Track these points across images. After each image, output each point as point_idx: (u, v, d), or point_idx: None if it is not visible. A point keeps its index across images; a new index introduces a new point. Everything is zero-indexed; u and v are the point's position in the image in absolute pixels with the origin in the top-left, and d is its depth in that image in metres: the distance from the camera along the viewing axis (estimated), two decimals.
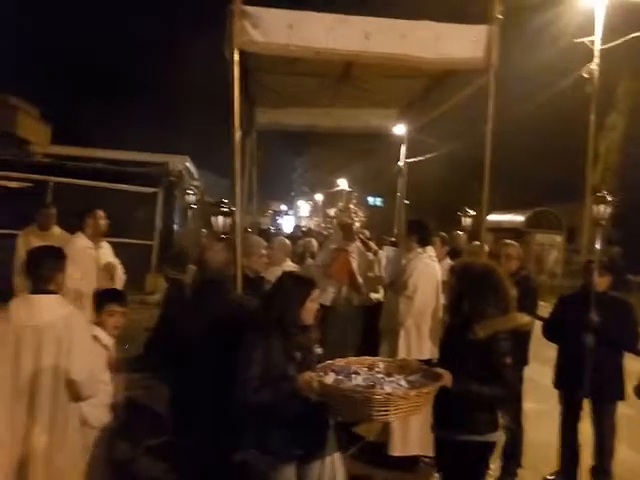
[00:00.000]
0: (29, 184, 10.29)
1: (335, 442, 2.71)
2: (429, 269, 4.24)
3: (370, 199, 43.83)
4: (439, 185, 23.70)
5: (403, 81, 5.22)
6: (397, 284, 4.32)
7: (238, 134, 3.80)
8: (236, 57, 3.71)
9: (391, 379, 2.49)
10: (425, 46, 3.87)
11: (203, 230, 6.26)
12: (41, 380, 2.68)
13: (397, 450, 4.18)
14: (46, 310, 2.71)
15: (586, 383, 3.82)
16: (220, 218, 4.10)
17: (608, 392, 3.92)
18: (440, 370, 2.53)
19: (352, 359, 2.76)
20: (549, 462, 4.26)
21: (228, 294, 3.07)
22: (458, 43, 3.93)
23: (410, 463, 4.18)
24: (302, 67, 4.58)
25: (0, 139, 13.23)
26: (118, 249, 5.50)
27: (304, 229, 24.05)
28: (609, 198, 4.43)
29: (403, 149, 7.70)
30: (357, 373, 2.53)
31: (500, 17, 3.97)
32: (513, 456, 4.05)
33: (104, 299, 3.16)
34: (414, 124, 6.94)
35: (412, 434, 4.14)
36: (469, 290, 2.59)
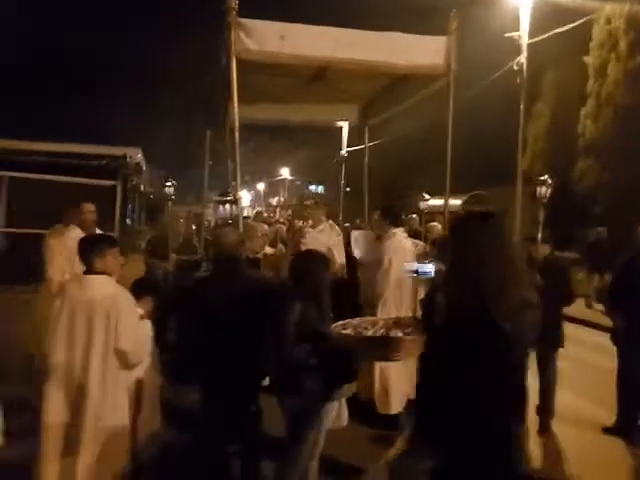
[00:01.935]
0: None
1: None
2: (402, 245, 4.89)
3: (312, 187, 44.57)
4: (381, 172, 24.70)
5: (367, 81, 5.86)
6: (373, 261, 4.94)
7: (237, 134, 4.31)
8: (234, 64, 4.20)
9: (393, 331, 3.12)
10: (395, 54, 4.53)
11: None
12: (93, 348, 3.12)
13: (382, 409, 4.73)
14: (97, 288, 3.14)
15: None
16: (223, 207, 4.59)
17: (550, 341, 4.77)
18: None
19: (356, 319, 3.37)
20: None
21: (245, 271, 3.56)
22: (423, 52, 4.62)
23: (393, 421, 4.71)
24: (279, 68, 5.11)
25: None
26: None
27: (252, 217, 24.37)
28: (549, 181, 5.29)
29: (345, 138, 8.29)
30: (366, 328, 3.15)
31: (456, 29, 4.69)
32: None
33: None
34: (374, 118, 7.59)
35: (394, 395, 4.70)
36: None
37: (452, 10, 4.70)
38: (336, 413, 3.28)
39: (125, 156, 11.88)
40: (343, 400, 3.51)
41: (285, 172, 45.11)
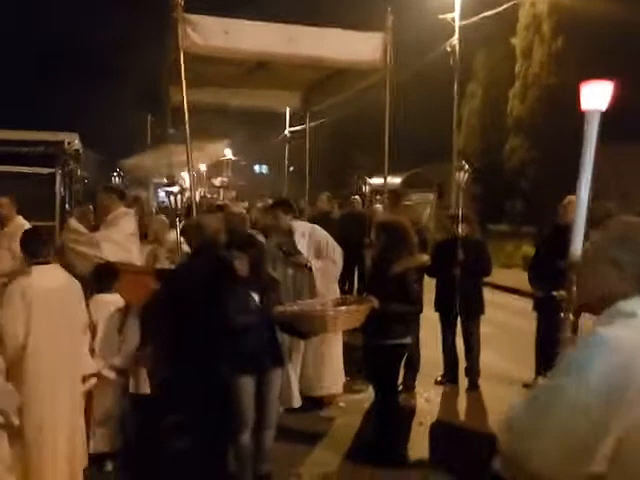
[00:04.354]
0: None
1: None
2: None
3: (256, 167, 44.32)
4: (323, 152, 25.07)
5: (308, 71, 6.14)
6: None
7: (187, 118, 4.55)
8: (181, 57, 4.39)
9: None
10: (336, 49, 4.85)
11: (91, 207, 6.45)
12: (57, 335, 3.28)
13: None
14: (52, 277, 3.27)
15: (457, 304, 5.22)
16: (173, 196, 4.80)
17: (473, 309, 5.35)
18: (369, 297, 3.61)
19: (308, 300, 3.75)
20: (438, 369, 5.64)
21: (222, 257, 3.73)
22: (361, 47, 4.96)
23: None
24: (223, 58, 5.31)
25: None
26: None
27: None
28: (467, 167, 5.82)
29: (287, 120, 8.58)
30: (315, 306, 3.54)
31: (392, 25, 5.05)
32: (412, 365, 5.33)
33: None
34: (315, 105, 7.88)
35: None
36: (388, 239, 3.68)
37: (388, 7, 5.05)
38: (286, 393, 3.63)
39: (63, 142, 11.57)
40: (293, 382, 3.90)
41: (227, 152, 44.52)
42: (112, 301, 3.80)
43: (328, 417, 4.67)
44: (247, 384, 3.24)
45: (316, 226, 4.94)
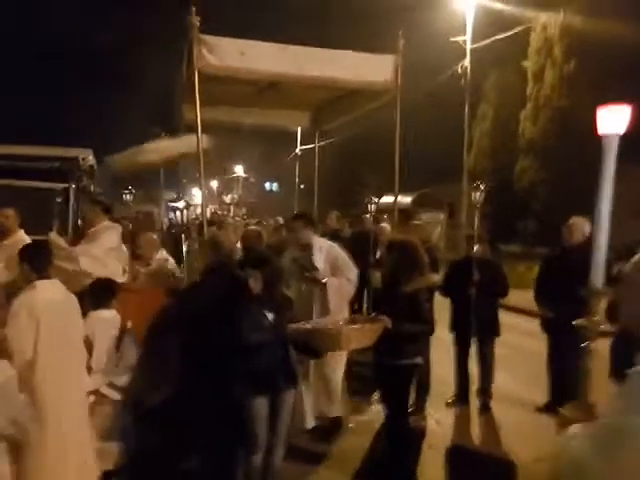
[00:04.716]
0: None
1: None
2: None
3: (267, 185, 44.59)
4: (333, 171, 25.20)
5: (319, 91, 6.21)
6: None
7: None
8: (195, 79, 4.46)
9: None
10: (348, 71, 4.91)
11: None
12: (66, 349, 3.32)
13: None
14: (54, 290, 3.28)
15: (472, 325, 5.17)
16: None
17: (489, 330, 5.29)
18: (381, 317, 3.59)
19: (321, 319, 3.74)
20: (449, 390, 5.58)
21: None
22: (373, 69, 5.02)
23: None
24: (236, 78, 5.39)
25: None
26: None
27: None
28: (482, 187, 5.82)
29: (299, 138, 8.65)
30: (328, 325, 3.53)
31: (403, 47, 5.11)
32: (423, 385, 5.28)
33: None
34: (325, 124, 7.95)
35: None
36: (399, 258, 3.67)
37: (399, 30, 5.12)
38: (298, 414, 3.60)
39: (77, 158, 11.75)
40: (307, 403, 3.87)
41: (239, 170, 44.94)
42: (109, 317, 3.80)
43: (337, 438, 4.61)
44: (261, 403, 3.23)
45: (333, 243, 4.89)
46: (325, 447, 4.42)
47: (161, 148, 5.61)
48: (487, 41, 17.48)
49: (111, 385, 3.67)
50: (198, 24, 4.42)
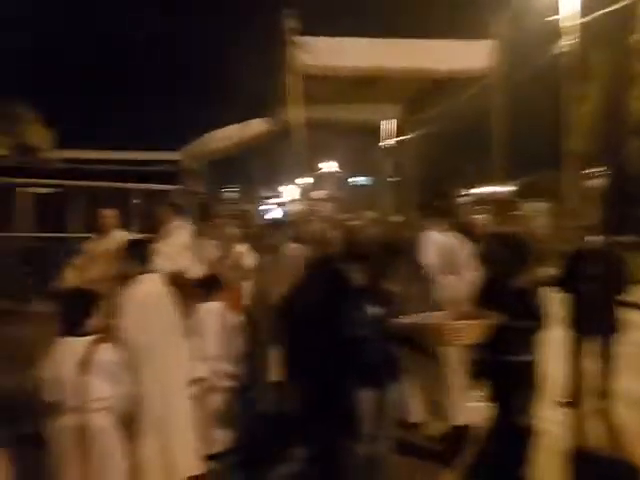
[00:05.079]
0: (57, 189, 11.00)
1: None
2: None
3: (356, 179, 44.53)
4: (427, 162, 24.61)
5: (413, 82, 6.13)
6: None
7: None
8: (292, 80, 4.59)
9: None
10: (444, 60, 4.81)
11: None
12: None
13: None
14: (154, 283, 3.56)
15: (591, 321, 4.84)
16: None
17: (608, 327, 4.94)
18: (488, 312, 3.48)
19: (428, 313, 3.69)
20: (560, 389, 5.28)
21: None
22: (468, 56, 4.88)
23: None
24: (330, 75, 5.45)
25: (14, 148, 13.82)
26: None
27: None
28: (594, 173, 5.41)
29: (392, 130, 8.50)
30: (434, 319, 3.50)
31: (501, 31, 4.90)
32: (533, 384, 4.96)
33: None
34: (419, 114, 7.83)
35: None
36: (506, 252, 3.53)
37: (494, 13, 4.93)
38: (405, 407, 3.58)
39: (182, 161, 12.51)
40: (414, 396, 3.82)
41: (330, 165, 45.18)
42: (216, 309, 4.02)
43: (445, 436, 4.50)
44: (365, 395, 3.27)
45: (452, 237, 4.57)
46: (432, 444, 4.35)
47: (227, 135, 5.78)
48: (591, 16, 16.24)
49: (220, 373, 3.87)
50: (294, 26, 4.54)
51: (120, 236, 5.22)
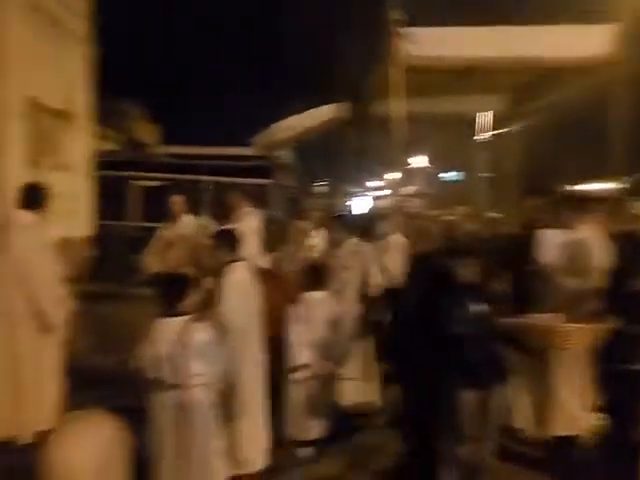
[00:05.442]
0: (164, 182, 11.73)
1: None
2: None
3: (447, 174, 43.27)
4: (526, 156, 23.41)
5: (520, 72, 5.83)
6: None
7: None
8: (397, 72, 4.54)
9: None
10: (556, 47, 4.53)
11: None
12: None
13: None
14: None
15: None
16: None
17: None
18: (605, 316, 3.25)
19: (537, 314, 3.52)
20: None
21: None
22: (584, 42, 4.55)
23: None
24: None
25: (124, 143, 14.89)
26: None
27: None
28: None
29: (488, 121, 8.10)
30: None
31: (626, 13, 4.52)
32: None
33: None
34: (525, 106, 7.45)
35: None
36: (627, 252, 3.28)
37: None
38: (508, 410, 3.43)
39: (277, 156, 12.87)
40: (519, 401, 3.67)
41: (420, 160, 44.32)
42: (320, 298, 4.10)
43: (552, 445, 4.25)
44: (469, 396, 3.18)
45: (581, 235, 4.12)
46: (536, 452, 4.13)
47: (291, 125, 5.77)
48: None
49: (323, 361, 3.94)
50: (398, 18, 4.48)
51: (188, 221, 5.55)
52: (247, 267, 3.75)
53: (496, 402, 3.30)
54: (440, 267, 3.29)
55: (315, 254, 5.45)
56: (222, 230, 3.97)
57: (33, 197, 3.97)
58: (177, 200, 5.74)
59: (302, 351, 3.90)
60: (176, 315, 3.05)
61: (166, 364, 2.95)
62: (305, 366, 3.92)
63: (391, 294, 3.99)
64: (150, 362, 2.98)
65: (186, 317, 3.06)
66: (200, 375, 3.00)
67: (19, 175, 8.06)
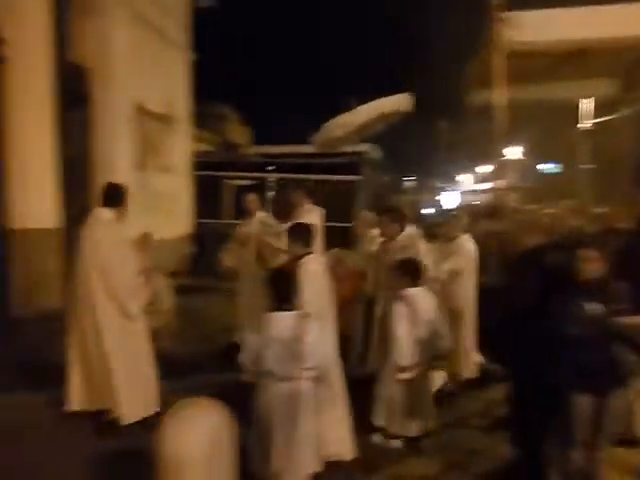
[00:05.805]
0: (255, 181, 12.10)
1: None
2: None
3: (544, 166, 40.93)
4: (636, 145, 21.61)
5: (632, 53, 5.36)
6: None
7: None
8: (499, 59, 4.33)
9: None
10: None
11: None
12: None
13: None
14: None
15: None
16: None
17: None
18: None
19: None
20: None
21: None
22: None
23: None
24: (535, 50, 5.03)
25: (218, 144, 15.56)
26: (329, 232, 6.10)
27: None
28: None
29: (590, 108, 7.52)
30: None
31: None
32: None
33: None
34: (635, 92, 6.86)
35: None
36: None
37: None
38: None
39: (365, 152, 12.84)
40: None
41: (513, 152, 42.33)
42: (421, 294, 4.00)
43: None
44: (583, 399, 2.98)
45: None
46: None
47: (348, 122, 5.56)
48: None
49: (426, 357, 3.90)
50: (499, 2, 4.27)
51: (260, 218, 5.65)
52: (320, 260, 3.82)
53: (613, 407, 3.07)
54: (554, 263, 3.10)
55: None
56: (296, 224, 4.01)
57: (113, 196, 4.19)
58: (252, 198, 5.91)
59: (409, 349, 3.83)
60: (286, 310, 3.12)
61: (277, 357, 3.02)
62: (412, 365, 3.85)
63: (491, 292, 3.82)
64: (259, 355, 3.05)
65: (296, 312, 3.13)
66: (310, 368, 3.07)
67: (128, 176, 8.73)
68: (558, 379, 2.99)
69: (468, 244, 5.09)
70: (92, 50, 7.93)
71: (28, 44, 6.44)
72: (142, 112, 9.20)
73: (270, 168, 12.89)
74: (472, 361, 5.07)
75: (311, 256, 3.72)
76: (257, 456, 3.14)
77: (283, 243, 4.72)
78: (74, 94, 7.69)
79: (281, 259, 4.80)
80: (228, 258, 5.97)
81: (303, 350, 3.02)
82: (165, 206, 10.05)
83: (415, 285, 3.97)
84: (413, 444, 3.91)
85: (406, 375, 3.83)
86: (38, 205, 6.49)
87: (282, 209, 5.43)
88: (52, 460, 3.62)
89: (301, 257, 3.66)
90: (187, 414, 2.80)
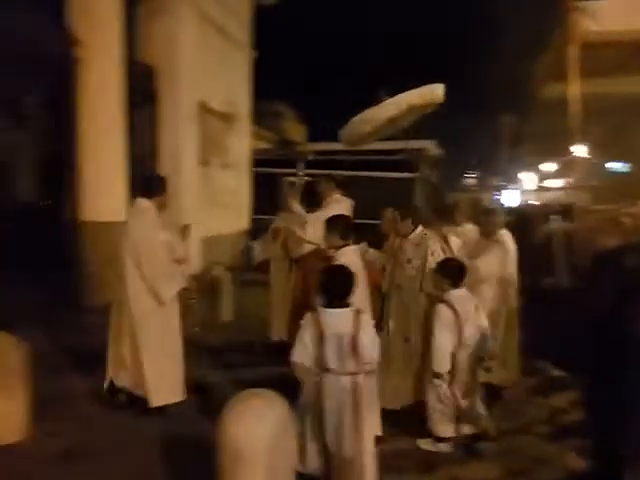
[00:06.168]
0: (310, 178, 12.13)
1: None
2: None
3: (612, 165, 38.94)
4: None
5: None
6: None
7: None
8: (574, 50, 4.14)
9: None
10: None
11: None
12: None
13: None
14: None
15: None
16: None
17: None
18: None
19: None
20: None
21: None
22: None
23: None
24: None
25: (276, 142, 15.74)
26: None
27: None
28: None
29: None
30: None
31: None
32: None
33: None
34: None
35: None
36: None
37: None
38: None
39: (423, 149, 12.61)
40: None
41: (578, 149, 40.50)
42: (465, 295, 3.90)
43: None
44: None
45: None
46: None
47: (375, 117, 5.34)
48: None
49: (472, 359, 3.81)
50: None
51: (292, 209, 5.63)
52: (356, 252, 3.80)
53: None
54: (633, 266, 2.93)
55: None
56: (333, 216, 3.98)
57: (151, 185, 4.29)
58: (288, 191, 5.95)
59: (445, 356, 3.75)
60: (341, 307, 3.10)
61: (337, 354, 3.01)
62: (449, 372, 3.76)
63: (560, 294, 3.67)
64: (316, 353, 3.04)
65: (351, 309, 3.11)
66: (369, 363, 3.08)
67: (193, 173, 8.96)
68: (635, 381, 2.84)
69: (508, 241, 4.90)
70: (159, 49, 8.19)
71: (101, 45, 6.72)
72: (205, 111, 9.42)
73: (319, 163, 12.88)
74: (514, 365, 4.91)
75: (348, 248, 3.72)
76: (311, 453, 3.12)
77: (308, 233, 4.83)
78: (142, 93, 7.97)
79: (304, 248, 4.89)
80: (261, 251, 6.07)
81: (361, 346, 3.02)
82: (225, 201, 10.26)
83: (457, 286, 3.87)
84: (469, 449, 3.82)
85: (441, 381, 3.74)
86: (108, 199, 6.77)
87: (311, 199, 5.46)
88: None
89: (338, 249, 3.68)
90: (251, 405, 2.83)
